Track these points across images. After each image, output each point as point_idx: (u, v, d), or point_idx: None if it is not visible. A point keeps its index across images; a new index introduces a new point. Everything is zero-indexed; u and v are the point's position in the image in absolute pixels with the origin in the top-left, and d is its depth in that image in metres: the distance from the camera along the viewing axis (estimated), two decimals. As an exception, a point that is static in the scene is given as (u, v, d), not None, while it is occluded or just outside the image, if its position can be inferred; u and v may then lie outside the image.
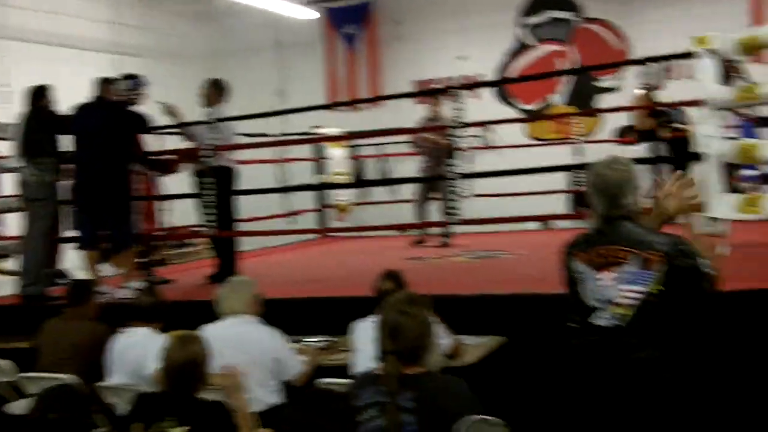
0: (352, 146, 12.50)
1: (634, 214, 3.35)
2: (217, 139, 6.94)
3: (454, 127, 6.17)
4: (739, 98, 5.45)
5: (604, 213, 3.36)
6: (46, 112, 6.92)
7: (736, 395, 4.90)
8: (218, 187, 6.90)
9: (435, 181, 9.13)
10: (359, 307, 4.68)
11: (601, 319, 3.26)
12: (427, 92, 12.03)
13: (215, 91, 7.30)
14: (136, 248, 7.08)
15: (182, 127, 7.30)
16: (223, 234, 7.01)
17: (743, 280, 4.47)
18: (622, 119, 10.93)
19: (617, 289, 3.23)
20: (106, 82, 6.96)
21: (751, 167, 8.09)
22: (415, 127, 9.38)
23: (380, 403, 2.99)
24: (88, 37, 11.83)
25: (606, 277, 3.27)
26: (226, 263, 7.06)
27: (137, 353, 4.52)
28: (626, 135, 10.05)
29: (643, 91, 9.00)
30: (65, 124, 6.86)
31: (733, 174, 5.51)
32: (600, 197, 3.36)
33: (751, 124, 8.42)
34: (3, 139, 7.39)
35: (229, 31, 14.00)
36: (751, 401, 4.92)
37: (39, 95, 6.95)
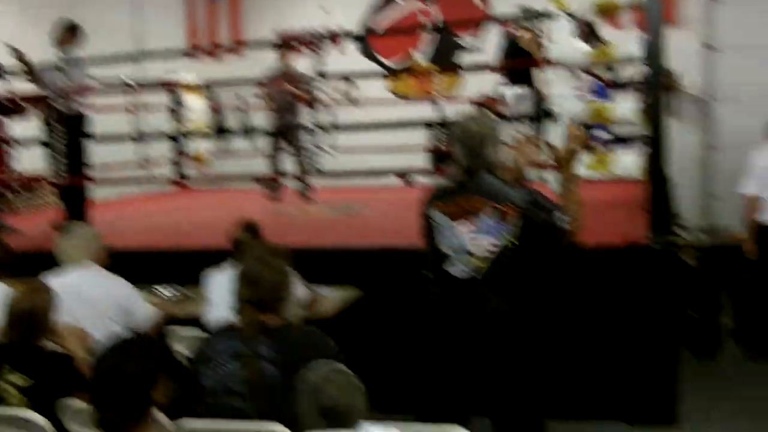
0: (211, 96, 12.26)
1: (495, 168, 3.42)
2: (68, 84, 6.66)
3: (312, 79, 6.10)
4: (593, 60, 5.63)
5: (465, 165, 3.42)
6: None
7: (583, 346, 5.12)
8: (68, 133, 6.63)
9: (288, 134, 9.05)
10: (215, 258, 4.63)
11: (457, 269, 3.32)
12: (289, 42, 11.92)
13: (68, 33, 7.00)
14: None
15: (31, 71, 6.96)
16: (72, 181, 6.76)
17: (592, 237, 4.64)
18: (483, 78, 11.11)
19: (473, 240, 3.30)
20: None
21: (603, 128, 8.39)
22: (272, 77, 9.23)
23: (239, 354, 2.95)
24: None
25: (463, 227, 3.33)
26: (75, 212, 6.83)
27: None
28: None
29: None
30: None
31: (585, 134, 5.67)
32: (462, 149, 3.42)
33: (605, 87, 8.70)
34: None
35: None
36: (597, 351, 5.16)
37: None
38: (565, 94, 5.68)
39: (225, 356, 2.97)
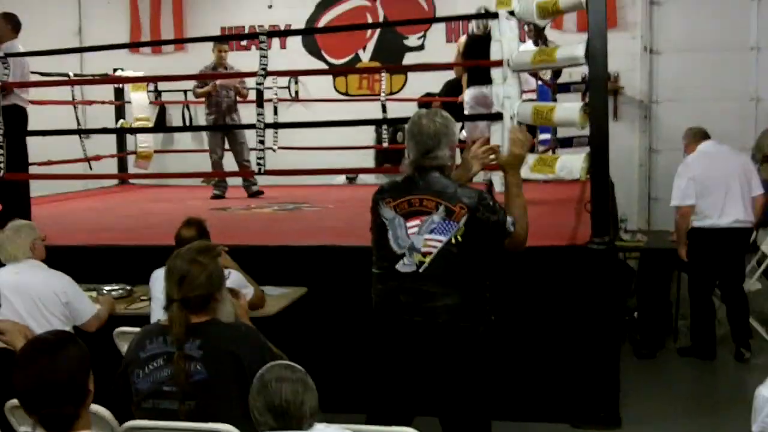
0: (155, 91, 12.15)
1: (446, 167, 3.47)
2: (7, 76, 6.54)
3: (258, 76, 6.09)
4: (536, 61, 5.70)
5: (417, 162, 3.46)
6: None
7: (527, 347, 5.20)
8: (8, 126, 6.50)
9: (229, 131, 9.05)
10: (160, 256, 4.60)
11: (404, 266, 3.36)
12: (232, 37, 11.86)
13: (6, 25, 6.87)
14: None
15: None
16: (11, 177, 6.62)
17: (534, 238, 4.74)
18: (427, 78, 11.17)
19: (422, 238, 3.35)
20: None
21: (547, 130, 8.50)
22: (214, 72, 9.18)
23: (167, 353, 2.94)
24: None
25: (412, 225, 3.37)
26: (14, 208, 6.70)
27: None
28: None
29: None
30: None
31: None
32: (415, 146, 3.46)
33: (549, 88, 8.83)
34: None
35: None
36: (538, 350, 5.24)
37: None
38: (509, 95, 5.74)
39: (156, 357, 2.96)
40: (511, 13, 5.66)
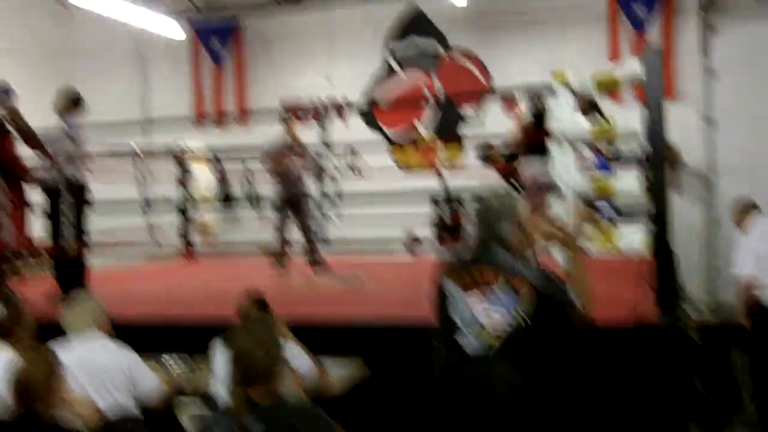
0: (218, 164, 12.36)
1: (509, 243, 3.47)
2: (70, 150, 6.68)
3: (316, 150, 6.19)
4: (593, 133, 5.71)
5: (481, 237, 3.48)
6: None
7: (593, 425, 5.09)
8: (70, 199, 6.63)
9: (295, 204, 9.13)
10: (221, 328, 4.64)
11: (467, 340, 3.34)
12: (294, 112, 12.05)
13: (68, 101, 7.02)
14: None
15: (33, 136, 6.99)
16: (74, 249, 6.75)
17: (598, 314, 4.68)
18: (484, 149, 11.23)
19: (485, 311, 3.33)
20: None
21: (607, 202, 8.44)
22: (278, 147, 9.34)
23: None
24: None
25: (475, 299, 3.36)
26: (75, 280, 6.83)
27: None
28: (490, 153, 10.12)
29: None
30: None
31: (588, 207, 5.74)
32: (480, 222, 3.49)
33: (607, 161, 8.78)
34: None
35: (88, 35, 13.53)
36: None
37: None
38: (567, 167, 5.73)
39: None
40: (568, 86, 5.69)
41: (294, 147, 9.01)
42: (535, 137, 7.07)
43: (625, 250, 5.27)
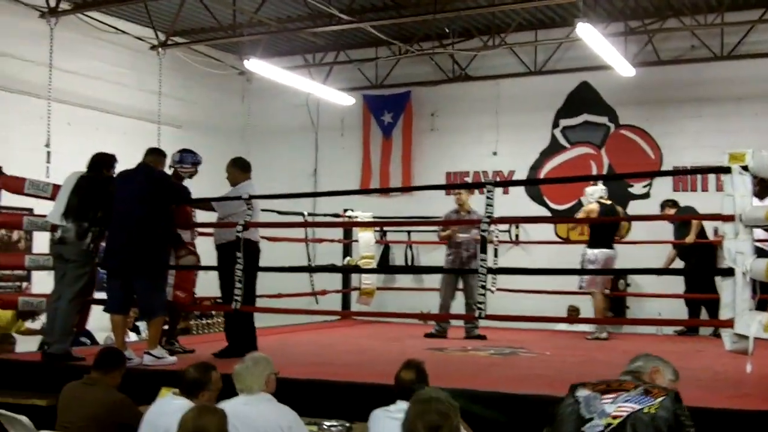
0: (381, 231, 12.58)
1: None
2: (241, 215, 6.93)
3: (482, 222, 6.17)
4: (771, 217, 5.43)
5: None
6: (105, 179, 6.94)
7: None
8: (242, 261, 6.85)
9: (462, 273, 9.17)
10: (378, 395, 4.64)
11: (591, 429, 3.31)
12: (459, 185, 12.14)
13: (237, 168, 7.32)
14: (163, 317, 7.06)
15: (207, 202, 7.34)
16: (244, 309, 6.96)
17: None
18: (653, 226, 10.97)
19: (614, 405, 3.38)
20: (155, 152, 7.06)
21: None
22: (443, 218, 9.44)
23: None
24: (129, 105, 12.03)
25: (607, 397, 3.43)
26: (244, 339, 7.02)
27: (168, 423, 4.33)
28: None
29: None
30: (111, 190, 6.87)
31: (760, 292, 5.45)
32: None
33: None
34: (40, 197, 7.48)
35: (267, 109, 14.24)
36: None
37: (104, 162, 7.02)
38: (742, 250, 5.47)
39: None
40: (745, 168, 5.46)
41: (463, 217, 9.09)
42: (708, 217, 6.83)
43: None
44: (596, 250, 9.11)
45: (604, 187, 9.46)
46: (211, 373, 4.62)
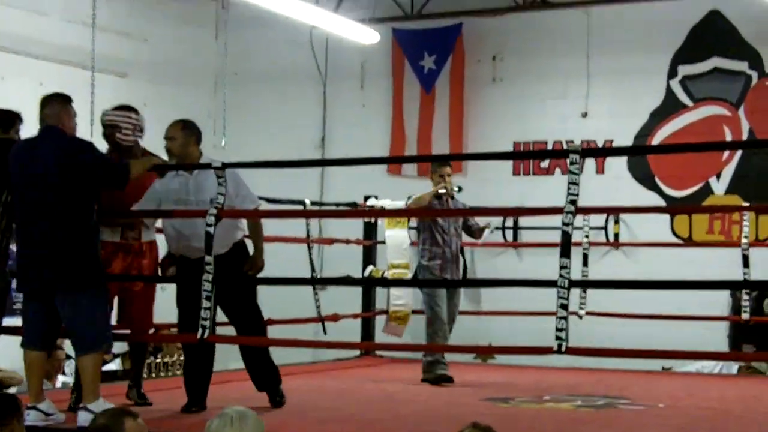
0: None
1: None
2: (222, 195, 6.90)
3: (566, 213, 6.03)
4: None
5: None
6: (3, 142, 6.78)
7: None
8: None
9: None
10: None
11: None
12: (529, 155, 12.05)
13: (192, 134, 7.28)
14: (103, 351, 6.98)
15: None
16: (213, 339, 6.94)
17: None
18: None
19: None
20: (55, 101, 6.71)
21: None
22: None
23: None
24: (49, 42, 11.82)
25: None
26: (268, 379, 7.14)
27: None
28: None
29: None
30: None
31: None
32: None
33: None
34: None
35: (253, 50, 14.11)
36: None
37: (8, 123, 6.95)
38: None
39: None
40: None
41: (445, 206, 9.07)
42: None
43: None
44: None
45: None
46: (124, 422, 4.54)
